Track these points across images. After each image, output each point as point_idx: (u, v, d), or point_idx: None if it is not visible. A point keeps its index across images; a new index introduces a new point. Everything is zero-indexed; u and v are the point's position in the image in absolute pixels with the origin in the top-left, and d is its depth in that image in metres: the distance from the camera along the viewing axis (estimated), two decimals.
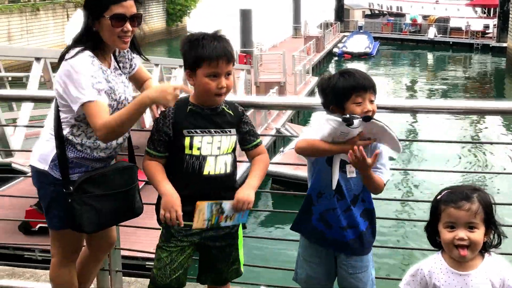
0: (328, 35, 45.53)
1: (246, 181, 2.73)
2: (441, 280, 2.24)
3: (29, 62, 13.64)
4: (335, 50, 45.27)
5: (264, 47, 37.16)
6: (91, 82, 2.66)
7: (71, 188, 2.77)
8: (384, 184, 2.74)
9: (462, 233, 2.16)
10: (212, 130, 2.67)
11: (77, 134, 2.81)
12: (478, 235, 2.18)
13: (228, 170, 2.70)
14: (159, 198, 2.68)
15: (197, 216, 2.60)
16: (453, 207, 2.18)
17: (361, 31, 50.88)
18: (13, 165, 13.02)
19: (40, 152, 2.88)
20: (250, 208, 2.66)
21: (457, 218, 2.18)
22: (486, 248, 2.25)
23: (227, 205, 2.64)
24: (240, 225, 2.84)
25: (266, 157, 2.84)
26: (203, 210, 2.60)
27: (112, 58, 2.91)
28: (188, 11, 56.76)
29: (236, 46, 27.09)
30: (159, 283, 2.73)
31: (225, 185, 2.71)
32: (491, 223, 2.21)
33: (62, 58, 2.75)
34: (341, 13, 56.46)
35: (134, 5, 2.80)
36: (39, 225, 10.41)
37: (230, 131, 2.70)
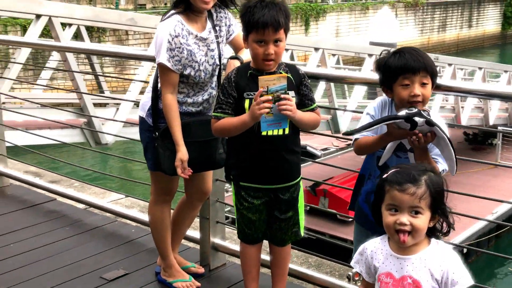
0: None
1: None
2: (379, 261, 2.11)
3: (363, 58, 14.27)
4: None
5: None
6: (166, 47, 2.95)
7: (157, 134, 3.07)
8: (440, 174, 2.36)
9: (404, 218, 1.98)
10: None
11: None
12: (422, 221, 1.98)
13: (287, 132, 2.70)
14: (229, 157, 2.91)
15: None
16: (397, 189, 1.98)
17: None
18: (308, 148, 13.57)
19: (142, 102, 3.23)
20: (289, 113, 2.58)
21: (401, 201, 1.98)
22: (435, 234, 2.07)
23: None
24: (301, 190, 2.90)
25: (318, 118, 2.83)
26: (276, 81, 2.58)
27: (209, 21, 3.09)
28: None
29: None
30: (245, 238, 2.95)
31: (285, 147, 2.77)
32: (438, 209, 2.02)
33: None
34: None
35: None
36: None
37: (288, 93, 2.63)
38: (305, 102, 2.78)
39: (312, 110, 2.81)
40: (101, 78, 10.54)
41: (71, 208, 4.54)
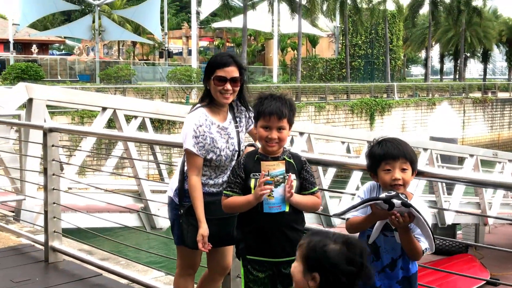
0: None
1: None
2: None
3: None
4: None
5: None
6: (192, 135, 3.41)
7: (182, 211, 3.46)
8: (423, 252, 2.70)
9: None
10: None
11: None
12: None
13: (287, 209, 2.99)
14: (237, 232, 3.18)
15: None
16: None
17: None
18: None
19: (170, 183, 3.67)
20: (289, 196, 2.92)
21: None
22: None
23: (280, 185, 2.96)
24: None
25: (318, 200, 3.11)
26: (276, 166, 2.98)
27: (230, 113, 3.55)
28: None
29: None
30: None
31: (286, 224, 3.02)
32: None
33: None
34: None
35: (236, 70, 3.45)
36: None
37: (288, 175, 2.97)
38: (306, 185, 3.10)
39: (313, 193, 3.09)
40: (162, 166, 11.17)
41: (114, 283, 4.88)
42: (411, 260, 2.79)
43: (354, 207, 2.72)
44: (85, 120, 21.51)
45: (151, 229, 8.87)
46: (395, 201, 2.53)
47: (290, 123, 3.11)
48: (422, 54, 70.26)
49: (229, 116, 3.55)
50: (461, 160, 16.20)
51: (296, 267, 2.22)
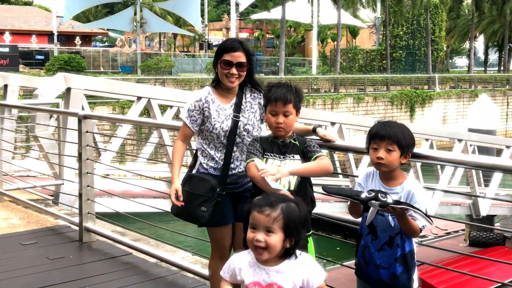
0: None
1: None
2: (247, 273, 2.44)
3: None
4: None
5: None
6: (188, 108, 3.72)
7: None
8: (421, 229, 2.83)
9: (260, 236, 2.35)
10: (281, 157, 3.27)
11: None
12: (274, 239, 2.34)
13: (292, 188, 3.17)
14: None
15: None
16: (257, 210, 2.38)
17: None
18: None
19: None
20: (273, 176, 3.05)
21: (258, 221, 2.37)
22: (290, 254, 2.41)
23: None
24: (311, 244, 3.25)
25: (324, 161, 3.23)
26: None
27: (237, 97, 3.73)
28: None
29: None
30: None
31: None
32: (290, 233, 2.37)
33: None
34: None
35: (243, 56, 3.65)
36: None
37: (293, 157, 3.25)
38: (309, 155, 3.27)
39: (316, 158, 3.25)
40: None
41: (143, 261, 5.12)
42: (409, 237, 2.92)
43: (338, 193, 3.02)
44: (125, 111, 21.97)
45: None
46: (373, 202, 2.74)
47: (296, 108, 3.30)
48: (467, 45, 68.87)
49: (234, 100, 3.72)
50: (499, 152, 15.97)
51: (276, 240, 2.34)
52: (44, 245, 5.59)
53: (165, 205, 9.12)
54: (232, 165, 3.70)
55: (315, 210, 3.37)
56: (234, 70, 3.61)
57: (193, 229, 5.58)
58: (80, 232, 5.71)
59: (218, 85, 3.74)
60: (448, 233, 15.82)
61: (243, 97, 3.76)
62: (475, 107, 18.39)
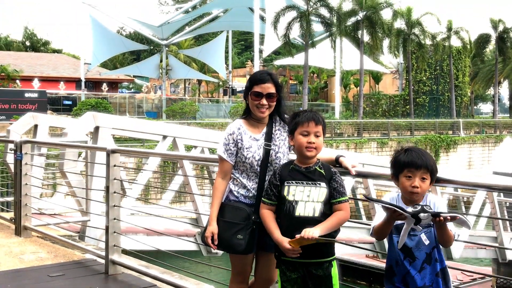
0: None
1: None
2: None
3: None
4: None
5: None
6: (223, 142, 3.83)
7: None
8: (454, 238, 2.96)
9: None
10: (304, 182, 3.35)
11: None
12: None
13: (317, 214, 3.26)
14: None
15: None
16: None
17: None
18: None
19: None
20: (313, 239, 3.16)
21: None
22: None
23: None
24: (335, 270, 3.35)
25: (344, 214, 3.31)
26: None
27: (267, 127, 3.85)
28: None
29: None
30: None
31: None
32: None
33: None
34: None
35: (272, 87, 3.81)
36: None
37: (319, 184, 3.31)
38: (334, 194, 3.35)
39: (339, 202, 3.33)
40: None
41: None
42: (445, 247, 3.02)
43: (384, 202, 2.99)
44: None
45: (207, 253, 9.15)
46: (422, 215, 2.83)
47: (324, 132, 3.43)
48: (491, 91, 68.62)
49: (264, 130, 3.85)
50: None
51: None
52: (71, 277, 5.68)
53: (189, 245, 9.18)
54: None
55: (340, 256, 3.45)
56: (264, 101, 3.75)
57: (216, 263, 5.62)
58: (106, 265, 5.79)
59: (249, 116, 3.87)
60: (474, 279, 15.45)
61: (273, 126, 3.86)
62: (500, 150, 18.26)
